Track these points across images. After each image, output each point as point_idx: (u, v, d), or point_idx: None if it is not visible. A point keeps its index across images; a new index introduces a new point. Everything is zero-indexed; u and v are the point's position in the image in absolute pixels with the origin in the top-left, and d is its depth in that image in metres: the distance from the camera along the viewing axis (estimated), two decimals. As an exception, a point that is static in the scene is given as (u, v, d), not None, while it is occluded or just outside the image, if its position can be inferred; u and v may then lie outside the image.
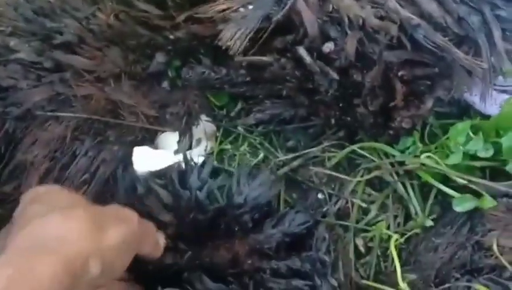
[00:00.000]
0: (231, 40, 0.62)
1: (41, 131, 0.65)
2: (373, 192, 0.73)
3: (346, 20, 0.62)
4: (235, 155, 0.76)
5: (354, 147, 0.73)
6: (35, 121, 0.65)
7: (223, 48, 0.62)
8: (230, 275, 0.58)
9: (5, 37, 0.66)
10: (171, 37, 0.70)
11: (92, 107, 0.66)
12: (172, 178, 0.65)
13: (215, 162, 0.74)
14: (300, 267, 0.60)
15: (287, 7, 0.63)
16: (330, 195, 0.74)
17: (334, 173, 0.74)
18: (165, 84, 0.73)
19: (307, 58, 0.61)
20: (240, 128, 0.77)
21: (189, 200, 0.63)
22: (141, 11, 0.71)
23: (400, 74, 0.62)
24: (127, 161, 0.66)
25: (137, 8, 0.71)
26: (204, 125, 0.74)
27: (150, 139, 0.71)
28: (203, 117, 0.74)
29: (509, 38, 0.63)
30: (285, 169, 0.74)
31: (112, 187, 0.66)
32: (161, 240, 0.57)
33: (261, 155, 0.76)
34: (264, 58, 0.64)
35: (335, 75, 0.61)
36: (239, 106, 0.77)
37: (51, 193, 0.50)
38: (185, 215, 0.62)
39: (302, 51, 0.61)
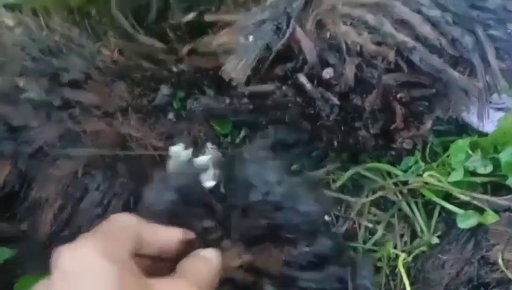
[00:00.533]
0: (234, 71, 0.65)
1: (53, 168, 0.67)
2: (378, 212, 0.75)
3: (344, 46, 0.65)
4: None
5: (358, 168, 0.75)
6: (47, 159, 0.67)
7: (226, 79, 0.65)
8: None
9: (14, 77, 0.69)
10: (175, 70, 0.72)
11: (101, 142, 0.68)
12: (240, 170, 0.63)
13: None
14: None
15: (286, 36, 0.65)
16: (337, 217, 0.76)
17: (339, 195, 0.77)
18: (171, 115, 0.75)
19: (308, 85, 0.63)
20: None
21: (266, 194, 0.60)
22: (144, 45, 0.74)
23: (398, 96, 0.64)
24: (138, 193, 0.68)
25: (140, 41, 0.75)
26: (210, 153, 0.76)
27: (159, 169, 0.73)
28: (209, 145, 0.77)
29: (503, 56, 0.66)
30: (292, 193, 0.76)
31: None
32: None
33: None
34: (266, 87, 0.66)
35: (336, 100, 0.63)
36: (243, 132, 0.80)
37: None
38: (249, 212, 0.59)
39: (302, 78, 0.63)
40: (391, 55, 0.61)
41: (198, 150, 0.75)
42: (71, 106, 0.69)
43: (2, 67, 0.69)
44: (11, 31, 0.70)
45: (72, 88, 0.70)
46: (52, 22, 0.72)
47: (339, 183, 0.76)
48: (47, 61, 0.70)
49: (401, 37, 0.64)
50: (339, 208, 0.76)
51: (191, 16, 0.76)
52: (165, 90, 0.73)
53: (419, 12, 0.64)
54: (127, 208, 0.67)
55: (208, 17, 0.68)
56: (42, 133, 0.68)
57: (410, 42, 0.64)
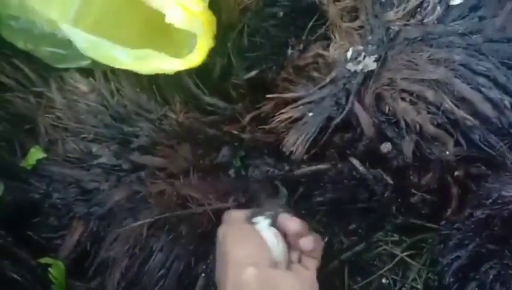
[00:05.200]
0: (294, 145, 0.70)
1: (121, 228, 0.74)
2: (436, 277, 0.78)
3: (402, 123, 0.69)
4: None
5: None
6: (116, 220, 0.75)
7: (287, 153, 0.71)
8: None
9: (88, 143, 0.77)
10: (237, 135, 0.78)
11: (165, 203, 0.75)
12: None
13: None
14: None
15: (345, 111, 0.70)
16: (394, 280, 0.79)
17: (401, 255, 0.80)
18: (231, 172, 0.80)
19: (360, 168, 0.67)
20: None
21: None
22: (208, 104, 0.81)
23: (455, 174, 0.67)
24: (198, 254, 0.74)
25: (204, 101, 0.81)
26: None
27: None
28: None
29: None
30: (348, 254, 0.81)
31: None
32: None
33: (326, 239, 0.82)
34: (321, 167, 0.70)
35: (389, 180, 0.67)
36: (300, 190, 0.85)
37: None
38: None
39: (355, 161, 0.68)
40: (450, 144, 0.64)
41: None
42: (139, 169, 0.77)
43: (77, 133, 0.77)
44: (85, 97, 0.78)
45: (140, 152, 0.77)
46: (123, 88, 0.80)
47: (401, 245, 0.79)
48: (118, 128, 0.77)
49: (462, 114, 0.67)
50: (396, 271, 0.80)
51: (253, 73, 0.82)
52: (225, 151, 0.79)
53: (479, 91, 0.67)
54: (188, 269, 0.74)
55: (269, 95, 0.73)
56: (112, 195, 0.75)
57: (470, 120, 0.67)
